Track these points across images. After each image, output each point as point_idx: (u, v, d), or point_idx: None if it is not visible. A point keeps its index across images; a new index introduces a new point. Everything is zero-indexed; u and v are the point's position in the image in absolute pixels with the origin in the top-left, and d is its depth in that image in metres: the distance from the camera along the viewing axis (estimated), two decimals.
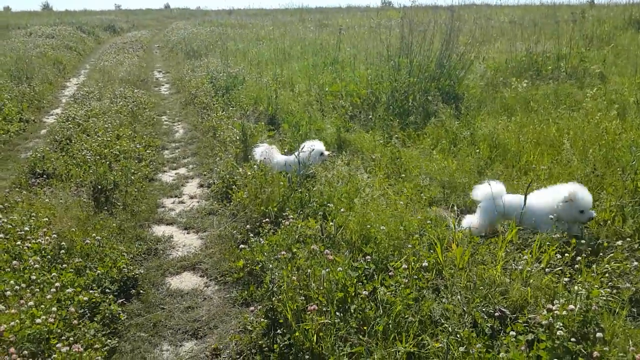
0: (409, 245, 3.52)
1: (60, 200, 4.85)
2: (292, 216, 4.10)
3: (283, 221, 4.10)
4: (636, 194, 3.93)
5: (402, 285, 3.03)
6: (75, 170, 5.86)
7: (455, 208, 4.57)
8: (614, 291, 3.02)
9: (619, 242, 3.36)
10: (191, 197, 5.80)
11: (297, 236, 3.87)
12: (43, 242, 3.90)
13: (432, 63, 7.46)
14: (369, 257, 3.39)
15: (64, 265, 3.64)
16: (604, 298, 2.85)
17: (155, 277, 4.02)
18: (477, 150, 5.44)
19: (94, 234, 4.15)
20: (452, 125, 6.31)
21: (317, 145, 5.47)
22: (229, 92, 9.37)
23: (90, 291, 3.44)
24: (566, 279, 3.12)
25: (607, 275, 3.19)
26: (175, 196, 5.83)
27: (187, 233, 4.89)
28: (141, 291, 3.80)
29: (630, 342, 2.50)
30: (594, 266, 3.28)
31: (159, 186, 6.10)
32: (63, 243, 3.87)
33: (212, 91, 9.57)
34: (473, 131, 6.00)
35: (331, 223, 3.85)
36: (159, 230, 4.92)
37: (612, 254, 3.35)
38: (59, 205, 4.74)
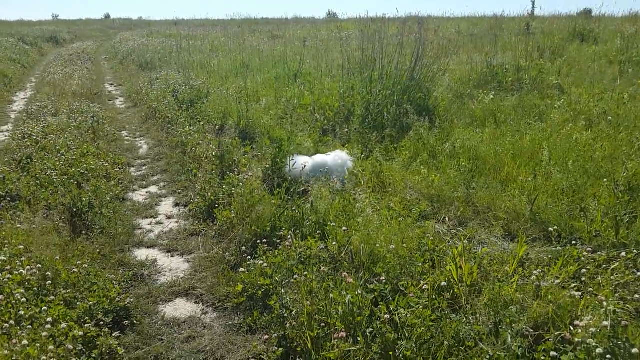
0: (418, 264, 3.47)
1: (33, 226, 4.52)
2: (290, 236, 3.97)
3: (280, 241, 3.97)
4: (629, 204, 4.04)
5: (421, 306, 2.97)
6: (41, 191, 5.51)
7: (447, 220, 4.57)
8: (622, 303, 3.07)
9: (623, 254, 3.43)
10: (168, 217, 5.56)
11: (298, 257, 3.75)
12: (25, 272, 3.60)
13: (403, 75, 7.50)
14: (382, 278, 3.31)
15: (52, 298, 3.37)
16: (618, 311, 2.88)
17: (147, 306, 3.79)
18: (463, 164, 5.48)
19: (78, 261, 3.88)
20: (429, 139, 6.35)
21: (342, 155, 5.57)
22: (193, 105, 9.13)
23: (85, 325, 3.20)
24: (576, 293, 3.15)
25: (613, 287, 3.24)
26: (151, 216, 5.58)
27: (172, 256, 4.66)
28: (135, 322, 3.57)
29: None
30: (598, 278, 3.34)
31: (132, 206, 5.82)
32: (48, 273, 3.59)
33: (176, 105, 9.29)
34: (452, 144, 6.05)
35: (334, 243, 3.75)
36: (141, 254, 4.67)
37: (615, 265, 3.42)
38: (34, 231, 4.42)
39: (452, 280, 3.35)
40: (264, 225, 4.36)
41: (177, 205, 5.90)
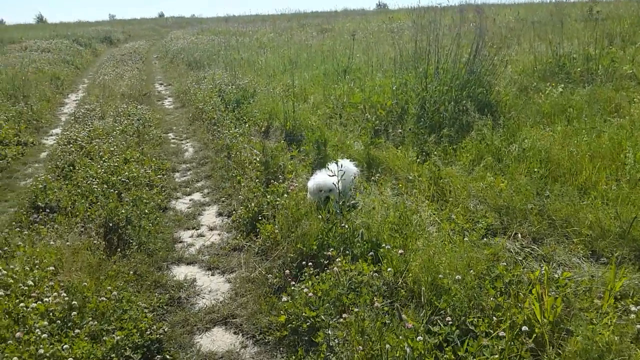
0: (490, 298, 2.94)
1: (67, 242, 4.26)
2: (339, 259, 3.52)
3: (328, 262, 3.53)
4: None
5: (497, 356, 2.46)
6: (81, 202, 5.28)
7: (520, 237, 4.00)
8: None
9: None
10: (211, 229, 5.22)
11: (348, 284, 3.29)
12: (50, 299, 3.31)
13: (462, 69, 6.89)
14: (448, 318, 2.81)
15: (77, 331, 3.05)
16: None
17: (182, 337, 3.43)
18: (536, 169, 4.87)
19: (108, 287, 3.57)
20: (493, 139, 5.74)
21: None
22: (239, 105, 8.80)
23: None
24: None
25: None
26: (193, 228, 5.26)
27: (212, 275, 4.31)
28: (167, 357, 3.22)
29: None
30: None
31: (174, 216, 5.52)
32: (74, 302, 3.28)
33: (222, 105, 8.99)
34: (520, 145, 5.43)
35: (389, 269, 3.27)
36: (180, 272, 4.34)
37: None
38: (66, 249, 4.16)
39: (531, 317, 2.81)
40: (310, 243, 3.92)
41: (220, 215, 5.56)
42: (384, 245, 3.65)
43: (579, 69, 8.77)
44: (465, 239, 3.89)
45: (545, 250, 3.81)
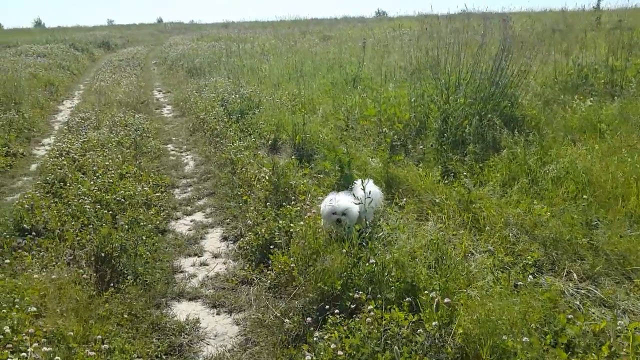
0: None
1: (52, 276, 3.72)
2: (370, 306, 2.99)
3: (356, 306, 3.01)
4: None
5: None
6: (71, 224, 4.75)
7: (575, 277, 3.49)
8: None
9: None
10: (215, 256, 4.69)
11: (383, 338, 2.77)
12: (30, 352, 2.78)
13: (485, 80, 6.39)
14: None
15: None
16: None
17: None
18: (580, 194, 4.36)
19: (98, 335, 3.04)
20: (524, 157, 5.23)
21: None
22: (243, 116, 8.28)
23: None
24: None
25: None
26: (195, 254, 4.73)
27: (217, 314, 3.76)
28: None
29: None
30: None
31: (174, 240, 4.99)
32: (57, 358, 2.74)
33: (225, 116, 8.48)
34: (557, 165, 4.92)
35: (434, 322, 2.74)
36: (181, 310, 3.80)
37: None
38: (50, 283, 3.62)
39: None
40: (333, 281, 3.40)
41: (225, 239, 5.02)
42: (421, 286, 3.13)
43: (602, 80, 8.30)
44: (511, 278, 3.39)
45: (606, 293, 3.29)
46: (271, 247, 4.21)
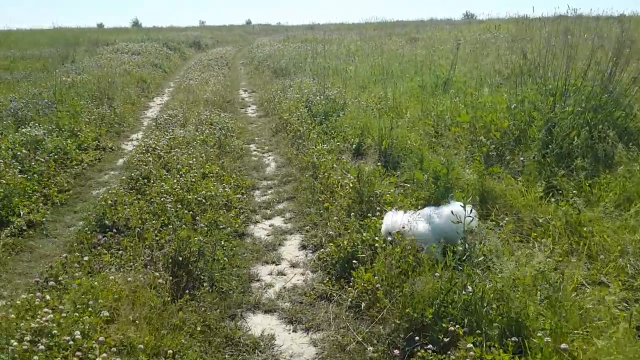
0: None
1: (128, 278, 3.61)
2: (469, 343, 2.60)
3: (449, 340, 2.63)
4: None
5: None
6: (151, 222, 4.68)
7: None
8: None
9: None
10: (293, 265, 4.44)
11: None
12: None
13: (597, 87, 5.74)
14: None
15: None
16: None
17: None
18: None
19: (169, 347, 2.85)
20: None
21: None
22: (327, 118, 8.03)
23: None
24: None
25: None
26: (273, 262, 4.51)
27: (294, 331, 3.51)
28: None
29: None
30: None
31: (251, 245, 4.80)
32: None
33: (308, 117, 8.27)
34: None
35: None
36: (256, 323, 3.58)
37: None
38: (126, 285, 3.50)
39: None
40: (423, 308, 3.03)
41: (303, 247, 4.78)
42: (527, 324, 2.69)
43: None
44: (632, 318, 2.88)
45: None
46: (353, 261, 3.90)
